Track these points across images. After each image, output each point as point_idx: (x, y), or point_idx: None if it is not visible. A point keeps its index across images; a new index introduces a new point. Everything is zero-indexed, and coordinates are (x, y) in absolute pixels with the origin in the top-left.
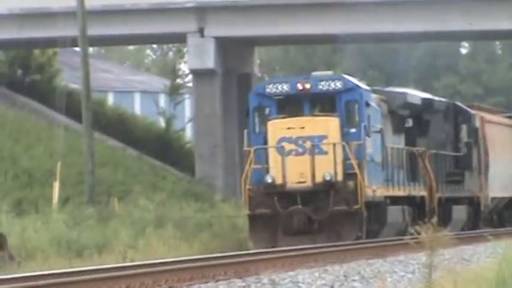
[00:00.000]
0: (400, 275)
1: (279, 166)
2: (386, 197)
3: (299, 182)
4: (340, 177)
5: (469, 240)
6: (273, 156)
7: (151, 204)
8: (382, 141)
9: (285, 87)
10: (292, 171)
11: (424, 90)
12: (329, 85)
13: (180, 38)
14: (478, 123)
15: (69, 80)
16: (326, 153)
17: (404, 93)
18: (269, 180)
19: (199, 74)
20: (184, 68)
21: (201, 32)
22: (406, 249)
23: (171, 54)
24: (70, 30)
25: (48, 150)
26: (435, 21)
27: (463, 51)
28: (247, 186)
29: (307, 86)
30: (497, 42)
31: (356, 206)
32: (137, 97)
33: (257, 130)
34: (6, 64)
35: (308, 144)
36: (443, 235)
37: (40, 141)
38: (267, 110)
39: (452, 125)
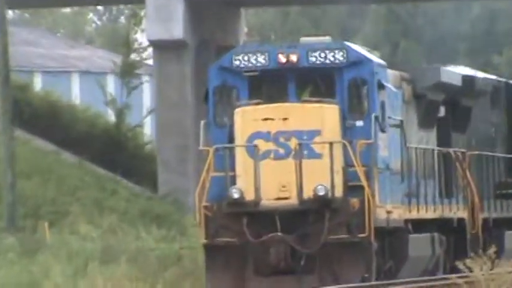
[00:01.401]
0: None
1: (251, 174)
2: (407, 221)
3: (279, 198)
4: (339, 192)
5: None
6: (242, 160)
7: (96, 231)
8: (403, 139)
9: (261, 60)
10: (270, 182)
11: (480, 67)
12: (325, 57)
13: None
14: None
15: None
16: (319, 156)
17: (437, 69)
18: (235, 195)
19: (162, 47)
20: (141, 38)
21: None
22: None
23: (122, 19)
24: None
25: None
26: None
27: None
28: (203, 203)
29: (293, 58)
30: None
31: (362, 234)
32: (75, 79)
33: (219, 121)
34: None
35: (293, 142)
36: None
37: None
38: (234, 92)
39: (504, 114)
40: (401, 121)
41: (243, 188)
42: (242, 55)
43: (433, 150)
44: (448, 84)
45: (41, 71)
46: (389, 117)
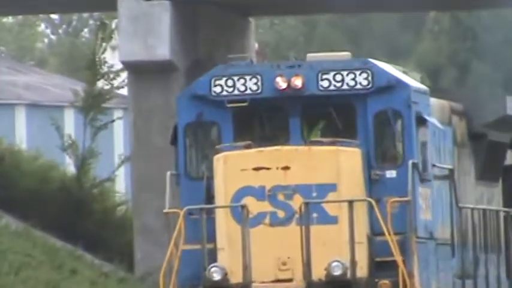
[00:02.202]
0: None
1: (237, 247)
2: None
3: (278, 281)
4: (363, 271)
5: None
6: (226, 227)
7: None
8: (453, 196)
9: (252, 85)
10: (265, 258)
11: None
12: (342, 80)
13: (105, 2)
14: None
15: None
16: (334, 220)
17: (502, 99)
18: (216, 277)
19: (141, 71)
20: (112, 59)
21: None
22: None
23: (86, 33)
24: None
25: None
26: None
27: None
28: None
29: (298, 82)
30: None
31: None
32: (21, 115)
33: (193, 172)
34: None
35: (297, 201)
36: None
37: None
38: (213, 131)
39: None
40: (452, 171)
41: (227, 266)
42: (225, 79)
43: (497, 211)
44: None
45: None
46: (433, 166)
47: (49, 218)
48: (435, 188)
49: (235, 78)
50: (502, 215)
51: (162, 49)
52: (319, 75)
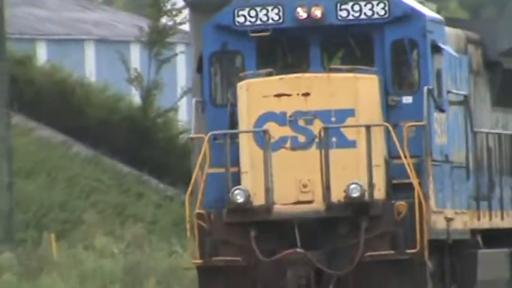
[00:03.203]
0: None
1: (260, 170)
2: (475, 232)
3: (299, 202)
4: (380, 193)
5: None
6: (249, 151)
7: (118, 246)
8: (469, 121)
9: (274, 16)
10: (286, 181)
11: None
12: (360, 11)
13: None
14: None
15: None
16: (353, 145)
17: None
18: (240, 199)
19: (202, 8)
20: None
21: None
22: None
23: None
24: None
25: None
26: None
27: None
28: (197, 210)
29: (317, 12)
30: None
31: (412, 250)
32: (90, 49)
33: (218, 99)
34: None
35: (317, 126)
36: None
37: None
38: (237, 60)
39: None
40: (466, 97)
41: (250, 188)
42: (248, 9)
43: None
44: None
45: (46, 39)
46: (449, 92)
47: (117, 145)
48: (451, 114)
49: (258, 8)
50: None
51: None
52: (338, 5)
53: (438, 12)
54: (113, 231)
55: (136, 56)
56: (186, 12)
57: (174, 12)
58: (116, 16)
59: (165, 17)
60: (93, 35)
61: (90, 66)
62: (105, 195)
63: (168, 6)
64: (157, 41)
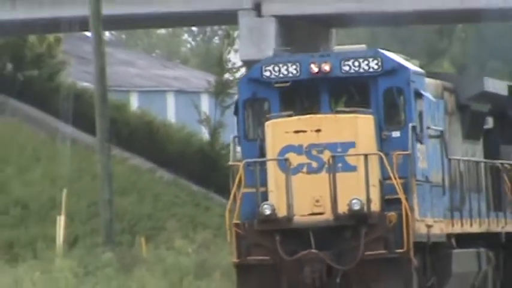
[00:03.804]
0: None
1: (283, 189)
2: (450, 236)
3: (313, 214)
4: (375, 206)
5: None
6: (274, 175)
7: (191, 246)
8: (444, 150)
9: (292, 70)
10: (303, 197)
11: None
12: (359, 66)
13: (229, 18)
14: None
15: (77, 76)
16: (354, 169)
17: (480, 79)
18: (267, 211)
19: None
20: (235, 58)
21: (257, 9)
22: None
23: (216, 40)
24: (79, 9)
25: (49, 174)
26: None
27: None
28: (234, 221)
29: (326, 67)
30: None
31: (400, 250)
32: (171, 99)
33: (250, 135)
34: None
35: (327, 155)
36: None
37: (38, 161)
38: (265, 105)
39: None
40: (442, 132)
41: (275, 203)
42: (272, 66)
43: (478, 162)
44: (494, 94)
45: (138, 91)
46: (428, 128)
47: (191, 171)
48: (430, 145)
49: (280, 65)
50: (482, 164)
51: (269, 52)
52: (342, 61)
53: (421, 67)
54: (187, 235)
55: (205, 103)
56: (243, 69)
57: (234, 70)
58: (190, 73)
59: (227, 73)
60: (173, 87)
61: (170, 111)
62: (182, 208)
63: (229, 65)
64: (221, 91)
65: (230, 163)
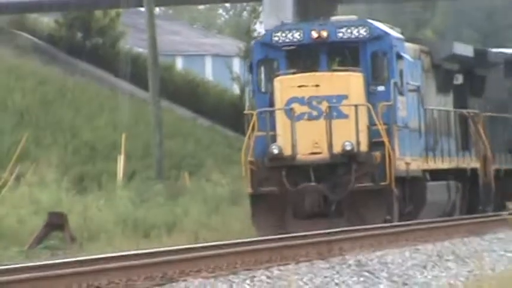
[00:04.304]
0: (499, 254)
1: (288, 133)
2: (425, 171)
3: (313, 153)
4: (364, 147)
5: None
6: (281, 121)
7: (226, 179)
8: (420, 101)
9: (297, 36)
10: (304, 140)
11: None
12: (351, 33)
13: None
14: None
15: (133, 43)
16: (347, 116)
17: (450, 43)
18: (275, 151)
19: None
20: (260, 28)
21: None
22: (506, 226)
23: (245, 13)
24: None
25: (111, 121)
26: None
27: None
28: (249, 158)
29: (324, 33)
30: None
31: (384, 183)
32: (208, 61)
33: (262, 89)
34: (65, 27)
35: (324, 105)
36: None
37: (103, 111)
38: (274, 64)
39: None
40: (418, 86)
41: (281, 145)
42: (280, 32)
43: (450, 111)
44: (462, 56)
45: (182, 55)
46: (407, 83)
47: (224, 119)
48: (409, 97)
49: (286, 31)
50: (452, 113)
51: (287, 21)
52: (337, 29)
53: (401, 33)
54: (222, 170)
55: (237, 65)
56: None
57: (259, 37)
58: (224, 41)
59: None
60: (210, 52)
61: (208, 72)
62: (218, 148)
63: (256, 34)
64: (249, 55)
65: (245, 112)
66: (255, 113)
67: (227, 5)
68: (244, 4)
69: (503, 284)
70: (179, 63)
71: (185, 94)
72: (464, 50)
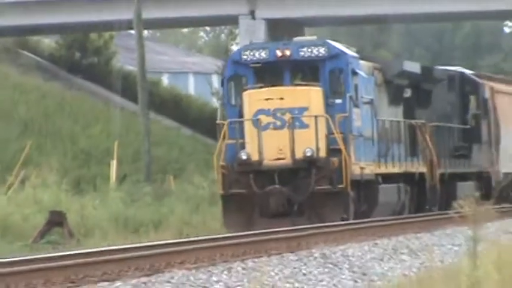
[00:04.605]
0: (447, 247)
1: (255, 141)
2: (377, 175)
3: (277, 159)
4: (322, 153)
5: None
6: (249, 130)
7: (206, 182)
8: (374, 113)
9: (263, 54)
10: (270, 147)
11: (469, 68)
12: (311, 52)
13: (232, 20)
14: (487, 94)
15: (125, 62)
16: (307, 126)
17: (400, 61)
18: (244, 157)
19: None
20: (236, 48)
21: (252, 14)
22: (452, 223)
23: (223, 36)
24: (126, 14)
25: (105, 130)
26: (478, 1)
27: (507, 30)
28: (221, 163)
29: (287, 52)
30: None
31: (341, 185)
32: (191, 78)
33: (232, 101)
34: (65, 47)
35: (287, 116)
36: (487, 209)
37: (97, 122)
38: (243, 80)
39: (458, 96)
40: (372, 99)
41: (249, 151)
42: (249, 51)
43: (399, 121)
44: (411, 72)
45: (167, 72)
46: (362, 97)
47: (205, 129)
48: (363, 109)
49: (254, 51)
50: (402, 123)
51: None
52: (299, 48)
53: (357, 52)
54: (203, 175)
55: (215, 81)
56: None
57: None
58: (204, 59)
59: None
60: (192, 70)
61: (191, 87)
62: (199, 155)
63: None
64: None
65: (218, 122)
66: (226, 123)
67: (207, 28)
68: (223, 27)
69: (450, 275)
70: (165, 80)
71: (170, 107)
72: (413, 67)
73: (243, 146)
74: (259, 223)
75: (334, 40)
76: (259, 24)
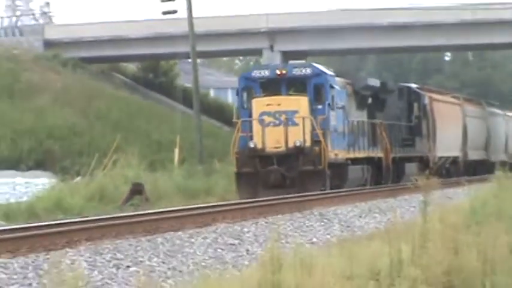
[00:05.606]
0: (406, 208)
1: (260, 134)
2: (348, 159)
3: (275, 147)
4: (308, 144)
5: (451, 185)
6: (256, 127)
7: None
8: (345, 115)
9: (267, 73)
10: (270, 139)
11: (421, 85)
12: (301, 71)
13: (257, 52)
14: (426, 101)
15: (184, 80)
16: (297, 124)
17: (365, 77)
18: (252, 146)
19: None
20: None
21: (271, 47)
22: (409, 192)
23: (251, 63)
24: (185, 48)
25: (170, 128)
26: (427, 38)
27: (447, 58)
28: (235, 150)
29: (284, 71)
30: (470, 52)
31: (320, 166)
32: (229, 92)
33: (245, 106)
34: (143, 71)
35: (283, 117)
36: (435, 181)
37: (165, 122)
38: (252, 90)
39: (405, 103)
40: (344, 106)
41: (256, 142)
42: (257, 70)
43: (364, 121)
44: (372, 86)
45: (213, 88)
46: (337, 104)
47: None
48: (338, 112)
49: (261, 70)
50: (366, 122)
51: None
52: (293, 69)
53: (334, 71)
54: None
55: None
56: None
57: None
58: (224, 77)
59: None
60: (231, 86)
61: (229, 98)
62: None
63: None
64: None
65: (234, 120)
66: (239, 121)
67: (240, 57)
68: (251, 57)
69: (408, 227)
70: (212, 93)
71: (215, 111)
72: (374, 82)
73: (251, 138)
74: (262, 193)
75: (325, 65)
76: (276, 54)
